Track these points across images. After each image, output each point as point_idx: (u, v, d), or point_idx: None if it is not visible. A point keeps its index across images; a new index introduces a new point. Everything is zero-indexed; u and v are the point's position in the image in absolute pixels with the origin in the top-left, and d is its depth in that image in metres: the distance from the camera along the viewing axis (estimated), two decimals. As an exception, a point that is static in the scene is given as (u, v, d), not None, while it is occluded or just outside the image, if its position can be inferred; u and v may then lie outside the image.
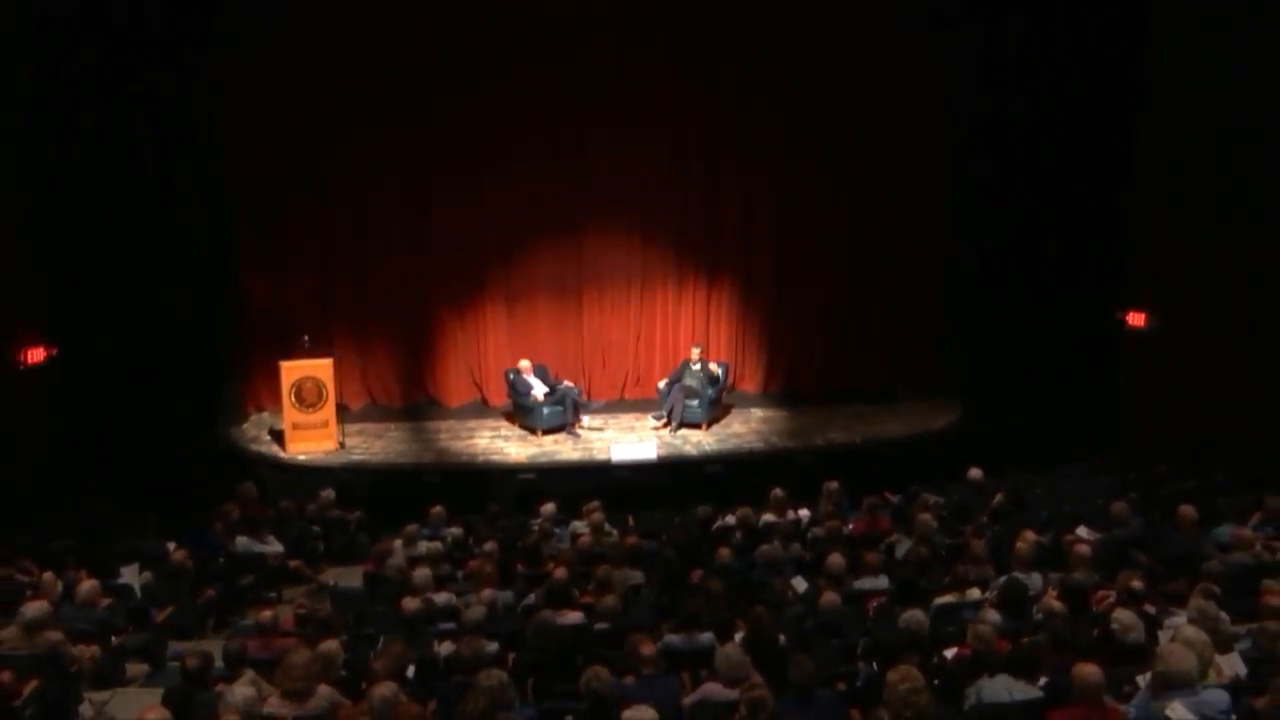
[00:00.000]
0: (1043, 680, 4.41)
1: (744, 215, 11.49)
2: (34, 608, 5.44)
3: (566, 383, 10.78)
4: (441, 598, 6.09)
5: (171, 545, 7.27)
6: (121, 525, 8.30)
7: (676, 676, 4.90)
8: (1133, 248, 10.03)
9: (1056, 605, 5.22)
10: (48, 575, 6.28)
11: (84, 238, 9.63)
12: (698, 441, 10.40)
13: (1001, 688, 4.30)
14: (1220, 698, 4.00)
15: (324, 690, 4.56)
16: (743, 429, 10.87)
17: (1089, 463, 9.55)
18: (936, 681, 4.59)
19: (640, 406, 11.37)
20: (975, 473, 8.34)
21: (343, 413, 10.55)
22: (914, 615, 5.01)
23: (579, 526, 7.79)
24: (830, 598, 5.68)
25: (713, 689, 4.54)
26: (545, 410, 10.50)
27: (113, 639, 5.79)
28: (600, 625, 5.61)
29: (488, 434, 10.76)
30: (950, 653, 4.91)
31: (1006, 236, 10.50)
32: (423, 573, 6.20)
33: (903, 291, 11.43)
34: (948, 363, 11.30)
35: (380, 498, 9.25)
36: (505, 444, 10.44)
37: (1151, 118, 9.69)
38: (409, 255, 11.15)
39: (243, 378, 11.08)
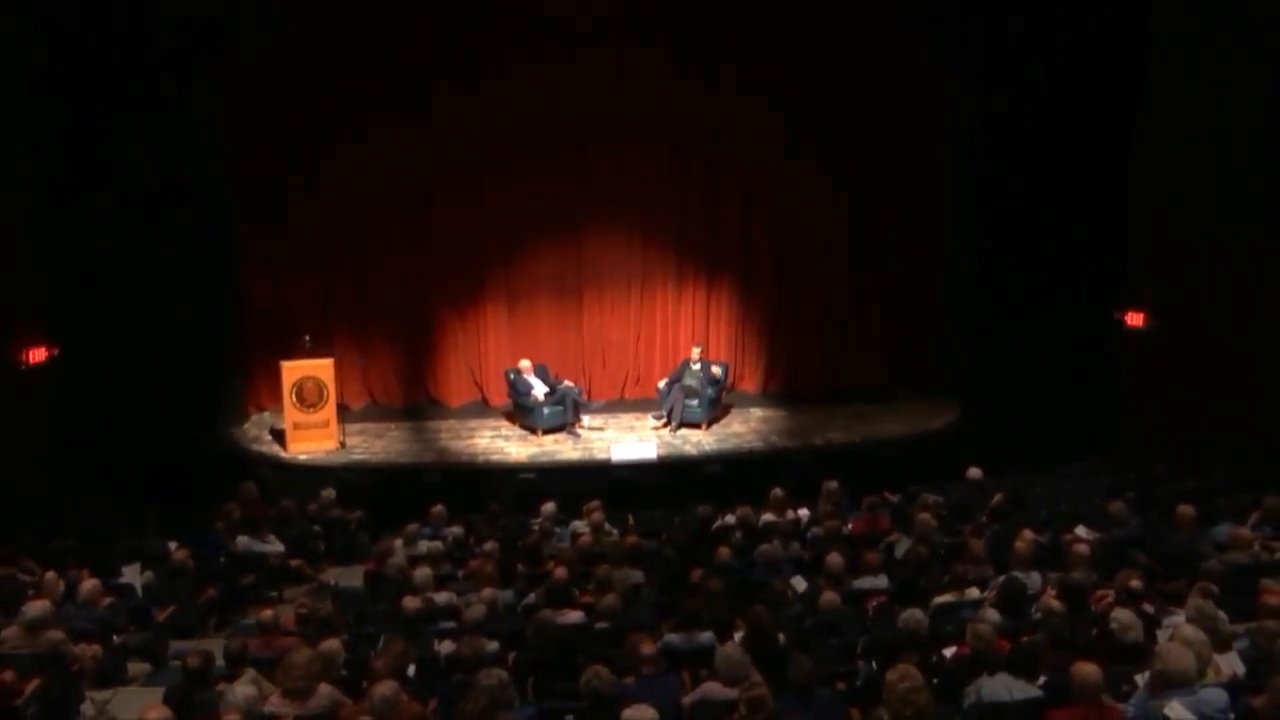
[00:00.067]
0: (1042, 679, 4.42)
1: (744, 215, 11.50)
2: (36, 607, 5.45)
3: (567, 382, 10.80)
4: (442, 597, 6.10)
5: (173, 545, 7.29)
6: (123, 525, 8.31)
7: (676, 676, 4.90)
8: (1132, 248, 10.03)
9: (1055, 604, 5.24)
10: (49, 574, 6.30)
11: (85, 238, 9.66)
12: (698, 441, 10.41)
13: (1001, 687, 4.31)
14: (1218, 696, 4.00)
15: (325, 689, 4.57)
16: (742, 429, 10.88)
17: (1088, 462, 9.56)
18: (936, 680, 4.60)
19: (640, 406, 11.38)
20: (974, 472, 8.34)
21: (343, 412, 10.58)
22: (913, 614, 5.02)
23: (579, 526, 7.80)
24: (830, 597, 5.69)
25: (712, 688, 4.55)
26: (545, 410, 10.51)
27: (114, 638, 5.79)
28: (600, 624, 5.62)
29: (488, 434, 10.77)
30: (949, 652, 4.91)
31: (1006, 237, 10.50)
32: (423, 572, 6.22)
33: (902, 291, 11.44)
34: (947, 362, 11.31)
35: (381, 497, 9.26)
36: (506, 444, 10.45)
37: (1151, 118, 9.70)
38: (409, 255, 11.16)
39: (243, 377, 11.10)
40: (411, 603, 5.78)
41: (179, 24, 9.61)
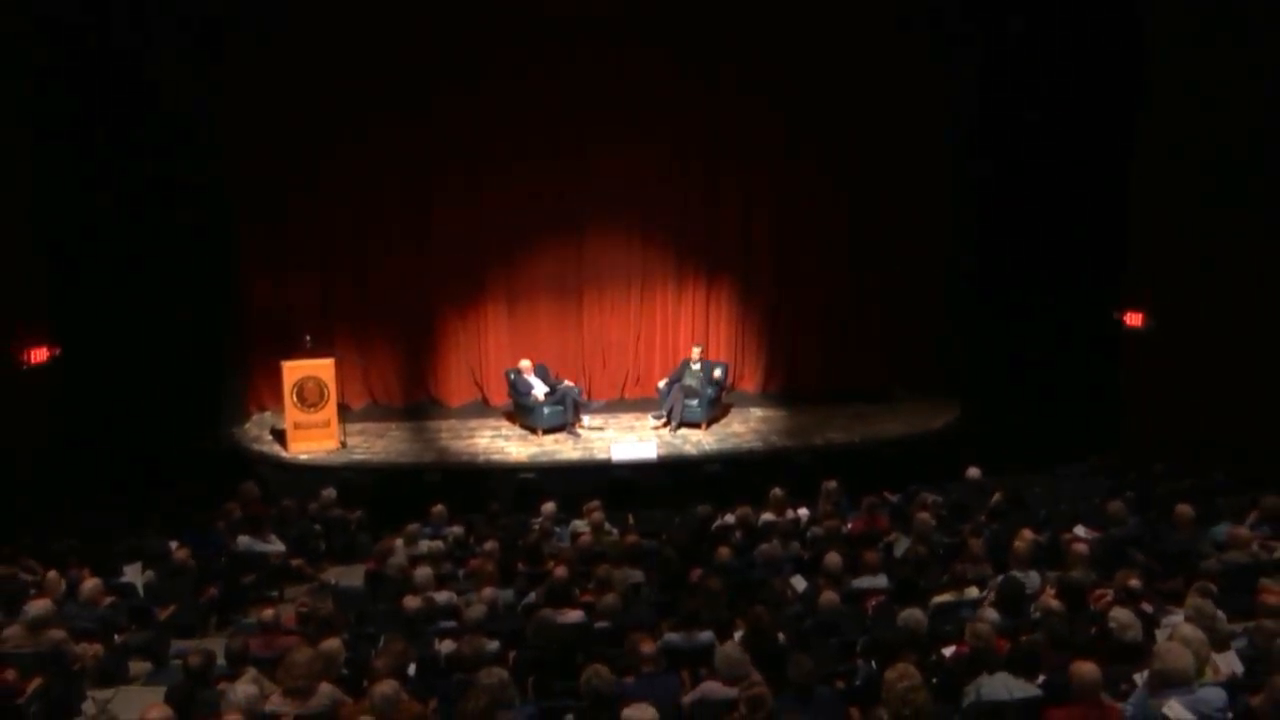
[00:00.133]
0: (1041, 678, 4.43)
1: (744, 215, 11.51)
2: (37, 606, 5.46)
3: (567, 382, 10.81)
4: (442, 596, 6.11)
5: (174, 544, 7.30)
6: (124, 524, 8.31)
7: (676, 675, 4.92)
8: (1131, 248, 10.04)
9: (1054, 604, 5.24)
10: (51, 574, 6.32)
11: (86, 238, 9.67)
12: (697, 441, 10.42)
13: (1000, 686, 4.32)
14: (1217, 695, 4.02)
15: (325, 688, 4.58)
16: (742, 428, 10.89)
17: (1087, 462, 9.57)
18: (935, 680, 4.61)
19: (640, 406, 11.39)
20: (974, 472, 8.35)
21: (344, 412, 10.59)
22: (912, 614, 5.03)
23: (579, 525, 7.81)
24: (829, 596, 5.70)
25: (712, 687, 4.56)
26: (546, 410, 10.52)
27: (115, 637, 5.81)
28: (600, 624, 5.63)
29: (488, 433, 10.78)
30: (949, 651, 4.92)
31: (1005, 237, 10.51)
32: (424, 571, 6.23)
33: (902, 291, 11.45)
34: (946, 363, 11.32)
35: (381, 497, 9.28)
36: (506, 443, 10.46)
37: (1150, 118, 9.71)
38: (410, 255, 11.17)
39: (244, 377, 11.12)
40: (412, 602, 5.79)
41: (179, 24, 9.63)
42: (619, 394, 11.69)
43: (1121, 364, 10.24)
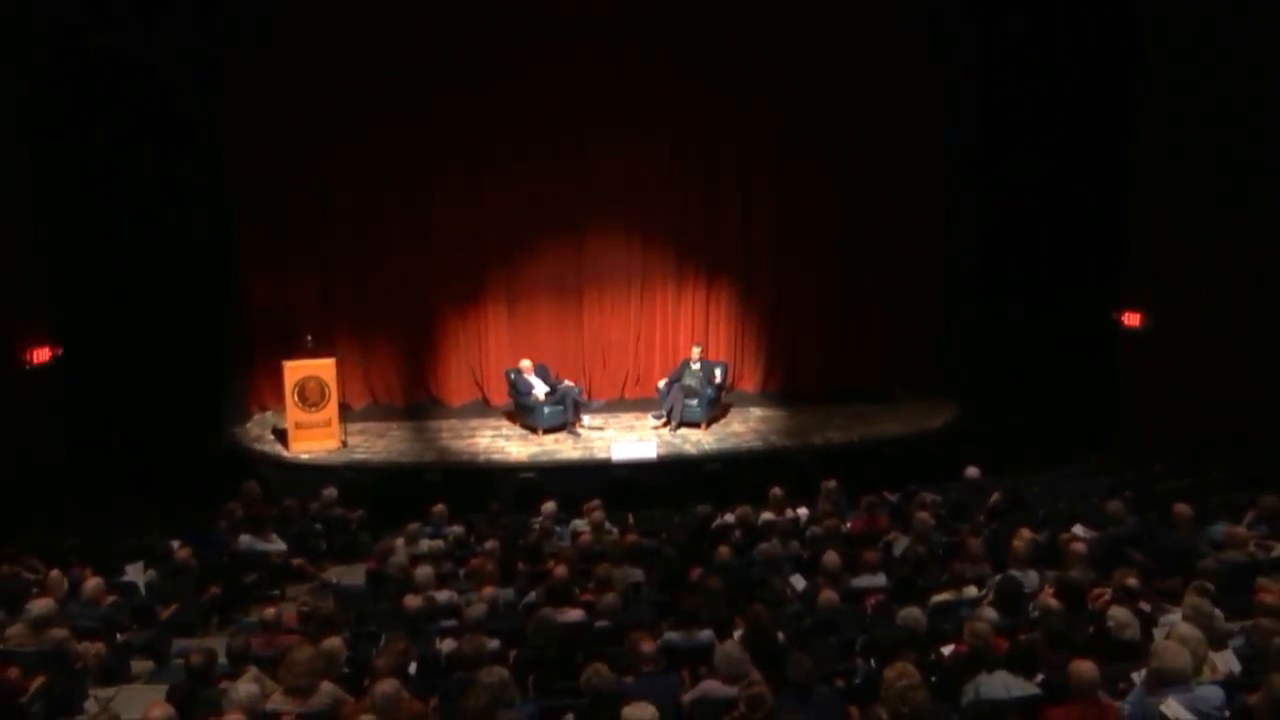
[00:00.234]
0: (1039, 677, 4.45)
1: (744, 215, 11.52)
2: (40, 605, 5.49)
3: (567, 382, 10.83)
4: (443, 595, 6.12)
5: (176, 543, 7.32)
6: (126, 524, 8.35)
7: (676, 673, 4.94)
8: (1130, 248, 10.06)
9: (1053, 603, 5.26)
10: (54, 573, 6.34)
11: (87, 239, 9.69)
12: (697, 440, 10.44)
13: (999, 684, 4.34)
14: (1214, 694, 4.03)
15: (327, 687, 4.60)
16: (742, 428, 10.91)
17: (1086, 462, 9.59)
18: (934, 678, 4.62)
19: (640, 406, 11.41)
20: (972, 472, 8.36)
21: (345, 412, 10.60)
22: (912, 613, 5.05)
23: (579, 525, 7.83)
24: (828, 596, 5.72)
25: (712, 686, 4.58)
26: (546, 410, 10.54)
27: (118, 636, 5.84)
28: (600, 623, 5.65)
29: (489, 433, 10.80)
30: (948, 650, 4.93)
31: (1005, 237, 10.53)
32: (424, 571, 6.25)
33: (901, 291, 11.47)
34: (946, 362, 11.34)
35: (382, 496, 9.30)
36: (506, 443, 10.48)
37: (1150, 117, 9.72)
38: (410, 255, 11.19)
39: (246, 377, 11.14)
40: (413, 601, 5.81)
41: (180, 24, 9.64)
42: (619, 394, 11.71)
43: (1120, 364, 10.26)
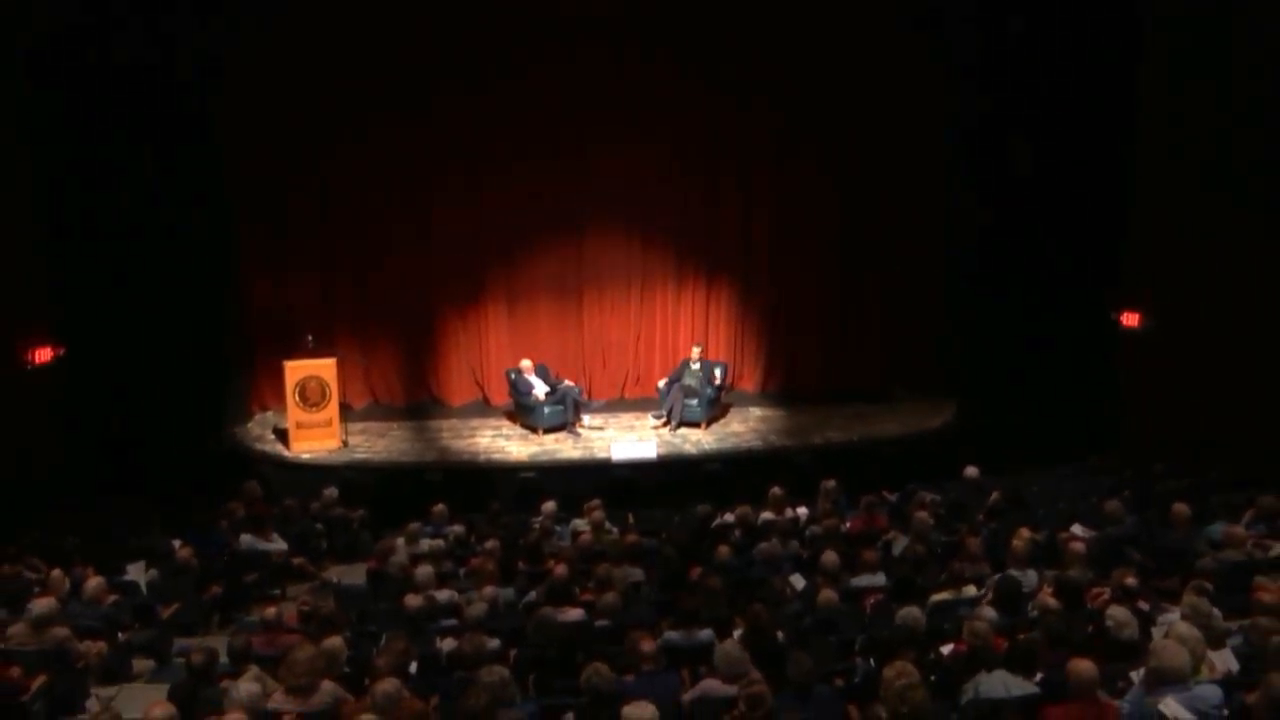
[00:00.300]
0: (1038, 676, 4.46)
1: (744, 215, 11.53)
2: (41, 604, 5.51)
3: (567, 382, 10.84)
4: (443, 595, 6.13)
5: (177, 543, 7.32)
6: (127, 523, 8.37)
7: (676, 673, 4.95)
8: (1129, 248, 10.07)
9: (1052, 602, 5.27)
10: (55, 572, 6.36)
11: (88, 239, 9.71)
12: (697, 440, 10.45)
13: (998, 683, 4.35)
14: (1212, 693, 4.04)
15: (327, 686, 4.61)
16: (741, 428, 10.92)
17: (1085, 462, 9.60)
18: (933, 678, 4.64)
19: (640, 406, 11.42)
20: (972, 471, 8.37)
21: (346, 412, 10.61)
22: (911, 612, 5.06)
23: (580, 524, 7.85)
24: (828, 595, 5.72)
25: (712, 685, 4.59)
26: (546, 409, 10.56)
27: (119, 635, 5.85)
28: (601, 622, 5.66)
29: (489, 433, 10.82)
30: (947, 649, 4.95)
31: (1004, 237, 10.54)
32: (425, 570, 6.26)
33: (901, 291, 11.47)
34: (945, 362, 11.34)
35: (383, 496, 9.31)
36: (507, 443, 10.49)
37: (1149, 117, 9.73)
38: (410, 255, 11.20)
39: (247, 377, 11.16)
40: (413, 600, 5.82)
41: (180, 25, 9.65)
42: (619, 394, 11.72)
43: (1120, 364, 10.27)
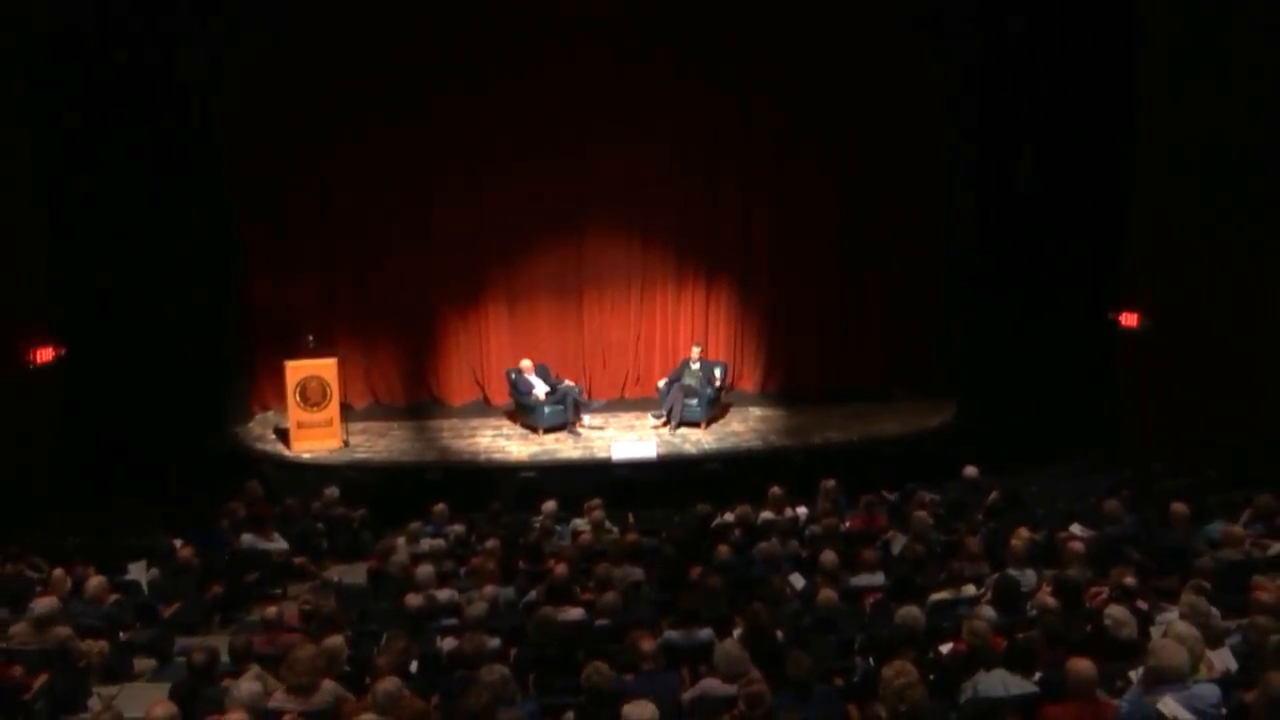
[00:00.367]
0: (1037, 675, 4.47)
1: (743, 215, 11.53)
2: (43, 603, 5.51)
3: (567, 382, 10.85)
4: (444, 594, 6.14)
5: (178, 542, 7.34)
6: (128, 522, 8.38)
7: (676, 672, 4.96)
8: (1128, 248, 10.07)
9: (1050, 601, 5.28)
10: (57, 571, 6.37)
11: (89, 239, 9.72)
12: (697, 440, 10.47)
13: (997, 682, 4.35)
14: (1211, 692, 4.05)
15: (328, 685, 4.62)
16: (741, 428, 10.93)
17: (1084, 461, 9.61)
18: (932, 677, 4.64)
19: (640, 405, 11.43)
20: (971, 471, 8.37)
21: (347, 411, 10.61)
22: (910, 611, 5.06)
23: (580, 524, 7.86)
24: (827, 594, 5.74)
25: (712, 684, 4.60)
26: (546, 409, 10.57)
27: (121, 634, 5.87)
28: (601, 621, 5.67)
29: (490, 433, 10.83)
30: (946, 648, 4.96)
31: (1004, 237, 10.55)
32: (425, 569, 6.27)
33: (901, 291, 11.48)
34: (944, 362, 11.35)
35: (384, 495, 9.32)
36: (507, 442, 10.51)
37: (1149, 118, 9.74)
38: (411, 255, 11.21)
39: (248, 377, 11.18)
40: (414, 600, 5.84)
41: (181, 25, 9.66)
42: (619, 393, 11.73)
43: (1119, 363, 10.28)
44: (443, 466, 9.97)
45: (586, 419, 10.85)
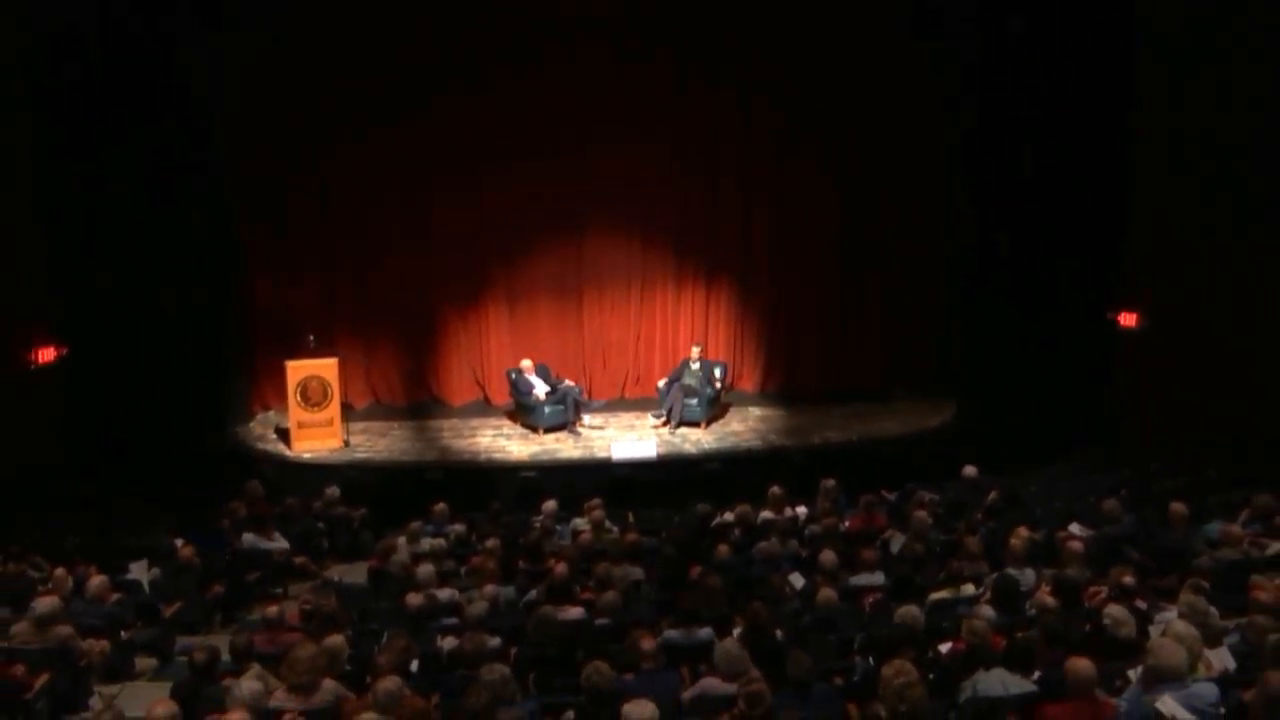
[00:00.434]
0: (1036, 674, 4.48)
1: (744, 215, 11.54)
2: (45, 603, 5.51)
3: (568, 382, 10.86)
4: (444, 593, 6.15)
5: (179, 542, 7.34)
6: (130, 522, 8.39)
7: (676, 671, 4.96)
8: (1127, 248, 10.08)
9: (1049, 600, 5.28)
10: (58, 571, 6.38)
11: (91, 240, 9.73)
12: (697, 440, 10.47)
13: (996, 681, 4.36)
14: (1209, 691, 4.06)
15: (329, 684, 4.63)
16: (741, 427, 10.94)
17: (1083, 461, 9.62)
18: (931, 676, 4.65)
19: (640, 405, 11.44)
20: (970, 470, 8.39)
21: (347, 411, 10.62)
22: (909, 611, 5.07)
23: (580, 524, 7.86)
24: (827, 594, 5.74)
25: (711, 683, 4.61)
26: (547, 409, 10.58)
27: (122, 634, 5.88)
28: (601, 621, 5.68)
29: (490, 432, 10.84)
30: (945, 647, 4.97)
31: (1003, 237, 10.56)
32: (426, 569, 6.28)
33: (900, 291, 11.49)
34: (944, 362, 11.36)
35: (384, 495, 9.34)
36: (507, 442, 10.52)
37: (1148, 118, 9.74)
38: (411, 255, 11.21)
39: (249, 377, 11.19)
40: (414, 599, 5.85)
41: (181, 24, 9.67)
42: (619, 393, 11.73)
43: (1118, 363, 10.29)
44: (443, 466, 9.98)
45: (586, 419, 10.85)
